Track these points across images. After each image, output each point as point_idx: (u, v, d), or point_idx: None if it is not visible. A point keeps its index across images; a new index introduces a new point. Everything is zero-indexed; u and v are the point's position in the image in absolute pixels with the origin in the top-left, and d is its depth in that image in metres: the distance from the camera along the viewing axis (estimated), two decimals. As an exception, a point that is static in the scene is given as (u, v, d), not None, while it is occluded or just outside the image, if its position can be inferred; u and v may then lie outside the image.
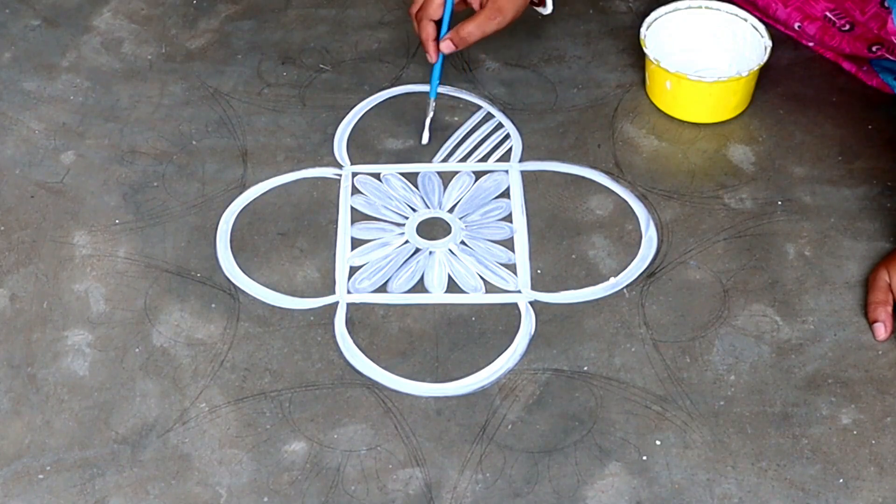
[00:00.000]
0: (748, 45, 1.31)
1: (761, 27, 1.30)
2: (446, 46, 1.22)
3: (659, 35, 1.32)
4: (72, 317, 1.12)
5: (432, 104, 1.27)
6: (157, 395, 1.05)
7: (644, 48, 1.28)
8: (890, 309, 1.08)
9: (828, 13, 1.33)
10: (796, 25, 1.36)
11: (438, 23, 1.23)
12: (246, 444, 1.01)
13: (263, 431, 1.02)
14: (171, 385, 1.06)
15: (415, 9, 1.24)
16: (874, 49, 1.29)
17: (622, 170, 1.24)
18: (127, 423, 1.03)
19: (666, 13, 1.32)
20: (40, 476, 0.99)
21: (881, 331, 1.07)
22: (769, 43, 1.28)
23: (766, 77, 1.33)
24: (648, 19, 1.31)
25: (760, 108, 1.30)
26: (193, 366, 1.07)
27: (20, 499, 0.98)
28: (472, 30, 1.20)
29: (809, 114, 1.29)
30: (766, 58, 1.27)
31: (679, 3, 1.33)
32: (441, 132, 1.29)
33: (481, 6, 1.22)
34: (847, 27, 1.32)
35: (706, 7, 1.33)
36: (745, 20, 1.31)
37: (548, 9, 1.28)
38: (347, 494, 0.97)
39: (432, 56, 1.23)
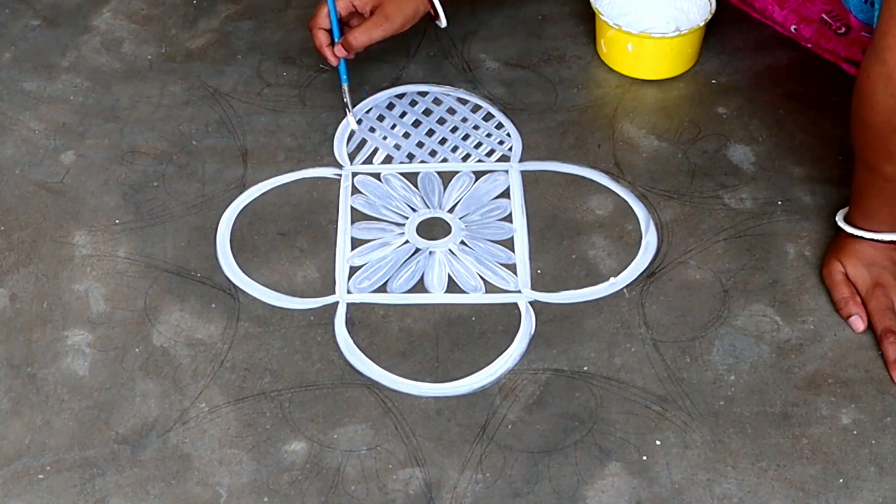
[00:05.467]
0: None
1: None
2: (339, 51, 1.27)
3: (601, 3, 1.36)
4: (72, 317, 1.12)
5: (345, 89, 1.30)
6: (157, 395, 1.05)
7: (601, 16, 1.32)
8: (858, 299, 1.08)
9: (824, 15, 1.33)
10: (793, 28, 1.36)
11: (330, 31, 1.28)
12: (246, 444, 1.01)
13: (263, 431, 1.02)
14: (171, 385, 1.06)
15: (311, 21, 1.29)
16: None
17: (622, 170, 1.24)
18: (127, 423, 1.03)
19: None
20: (40, 476, 0.99)
21: (859, 323, 1.07)
22: None
23: (766, 77, 1.33)
24: None
25: (760, 108, 1.30)
26: (193, 366, 1.07)
27: (20, 499, 0.98)
28: (359, 35, 1.26)
29: (809, 114, 1.29)
30: (713, 6, 1.33)
31: None
32: (441, 132, 1.30)
33: (371, 14, 1.26)
34: (843, 30, 1.32)
35: None
36: None
37: (443, 23, 1.31)
38: (347, 494, 0.97)
39: (331, 60, 1.28)
